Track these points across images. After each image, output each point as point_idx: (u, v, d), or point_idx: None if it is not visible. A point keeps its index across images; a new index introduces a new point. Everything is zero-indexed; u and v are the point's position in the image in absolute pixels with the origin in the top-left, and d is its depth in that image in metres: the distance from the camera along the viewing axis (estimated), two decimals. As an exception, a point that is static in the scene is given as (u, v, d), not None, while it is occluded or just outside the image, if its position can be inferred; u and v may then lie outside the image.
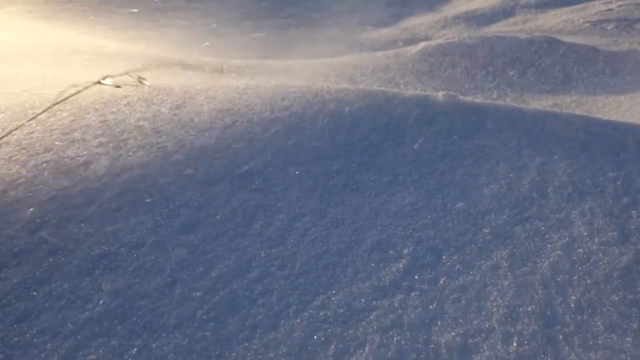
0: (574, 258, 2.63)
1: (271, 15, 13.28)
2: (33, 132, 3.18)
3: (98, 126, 3.34)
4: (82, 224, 2.69)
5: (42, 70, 5.24)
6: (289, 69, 7.58)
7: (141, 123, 3.47)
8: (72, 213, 2.75)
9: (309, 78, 6.98)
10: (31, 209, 2.72)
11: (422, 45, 9.18)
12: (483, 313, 2.32)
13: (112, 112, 3.60)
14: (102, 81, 2.43)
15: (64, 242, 2.57)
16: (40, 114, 3.02)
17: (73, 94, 2.52)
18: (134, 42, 9.44)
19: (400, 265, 2.56)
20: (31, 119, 3.08)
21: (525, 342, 2.18)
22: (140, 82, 2.51)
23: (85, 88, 2.50)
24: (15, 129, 2.94)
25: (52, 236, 2.60)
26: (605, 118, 4.53)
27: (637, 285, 2.47)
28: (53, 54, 6.47)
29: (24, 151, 3.06)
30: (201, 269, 2.50)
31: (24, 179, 2.90)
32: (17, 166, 2.95)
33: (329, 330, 2.22)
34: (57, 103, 2.46)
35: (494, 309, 2.34)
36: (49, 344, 2.10)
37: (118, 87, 2.50)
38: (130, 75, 2.48)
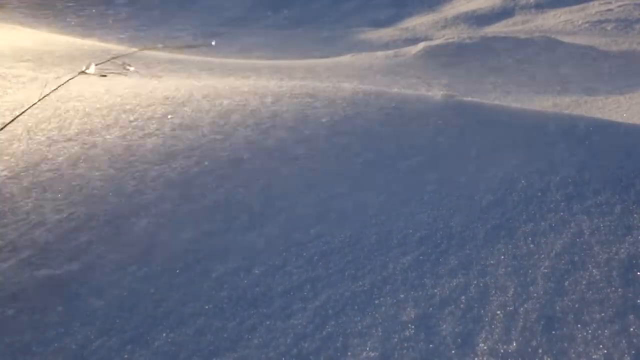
0: (575, 256, 2.64)
1: (270, 15, 13.29)
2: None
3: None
4: (86, 223, 2.69)
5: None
6: (285, 69, 7.59)
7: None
8: (75, 212, 2.75)
9: (309, 78, 6.98)
10: (30, 206, 2.72)
11: (422, 45, 9.19)
12: (485, 310, 2.32)
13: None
14: (87, 70, 2.39)
15: (67, 240, 2.57)
16: (27, 109, 3.02)
17: (58, 86, 2.50)
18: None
19: (403, 262, 2.57)
20: (19, 115, 3.08)
21: (526, 339, 2.19)
22: (126, 69, 2.49)
23: (70, 79, 2.47)
24: (8, 124, 2.94)
25: (53, 235, 2.60)
26: (605, 118, 4.54)
27: (637, 284, 2.48)
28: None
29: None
30: (202, 268, 2.50)
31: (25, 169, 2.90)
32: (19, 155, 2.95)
33: (331, 327, 2.22)
34: (43, 97, 2.44)
35: (496, 306, 2.34)
36: (53, 344, 2.11)
37: (104, 76, 2.47)
38: (114, 63, 2.44)
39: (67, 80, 2.46)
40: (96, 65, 2.37)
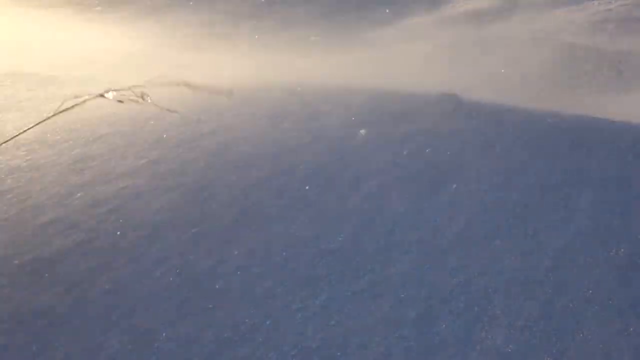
0: (576, 254, 2.64)
1: (269, 15, 13.26)
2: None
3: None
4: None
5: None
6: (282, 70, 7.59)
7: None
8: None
9: (309, 77, 6.98)
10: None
11: (422, 45, 9.18)
12: (486, 307, 2.32)
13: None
14: (105, 95, 2.43)
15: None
16: (36, 125, 3.03)
17: (73, 106, 2.53)
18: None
19: (403, 262, 2.56)
20: (22, 133, 3.10)
21: (528, 335, 2.19)
22: (143, 99, 2.51)
23: (86, 100, 2.50)
24: (9, 140, 2.96)
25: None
26: (605, 117, 4.53)
27: (636, 282, 2.48)
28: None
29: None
30: (206, 266, 2.50)
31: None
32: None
33: (332, 326, 2.22)
34: (57, 114, 2.46)
35: (497, 304, 2.34)
36: (63, 339, 2.11)
37: (120, 102, 2.50)
38: (132, 91, 2.48)
39: (84, 100, 2.49)
40: (115, 91, 2.40)
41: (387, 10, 13.38)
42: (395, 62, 8.45)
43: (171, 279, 2.43)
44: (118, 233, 2.67)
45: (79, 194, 2.87)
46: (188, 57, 7.62)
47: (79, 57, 6.49)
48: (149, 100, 2.48)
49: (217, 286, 2.40)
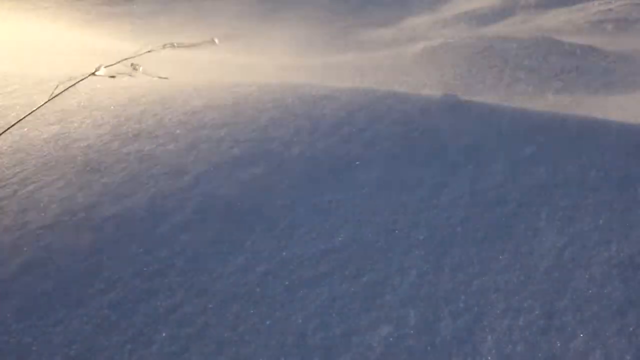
0: (576, 253, 2.64)
1: (268, 15, 13.28)
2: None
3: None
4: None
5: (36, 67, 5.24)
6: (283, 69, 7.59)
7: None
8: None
9: (309, 77, 6.98)
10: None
11: (422, 45, 9.19)
12: (486, 305, 2.32)
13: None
14: (97, 72, 2.45)
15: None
16: (37, 109, 3.04)
17: (69, 87, 2.54)
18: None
19: (404, 261, 2.57)
20: (29, 114, 3.11)
21: (527, 334, 2.19)
22: (135, 70, 2.52)
23: (81, 80, 2.52)
24: (16, 123, 2.96)
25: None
26: (605, 117, 4.54)
27: (637, 281, 2.48)
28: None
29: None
30: (212, 265, 2.50)
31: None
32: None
33: (332, 326, 2.22)
34: (54, 97, 2.46)
35: (497, 302, 2.34)
36: (65, 337, 2.11)
37: (113, 77, 2.52)
38: (123, 64, 2.49)
39: (78, 81, 2.49)
40: (106, 66, 2.41)
41: (387, 11, 13.38)
42: (395, 62, 8.46)
43: (171, 277, 2.43)
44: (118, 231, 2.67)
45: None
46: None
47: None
48: (140, 70, 2.50)
49: (217, 286, 2.40)
